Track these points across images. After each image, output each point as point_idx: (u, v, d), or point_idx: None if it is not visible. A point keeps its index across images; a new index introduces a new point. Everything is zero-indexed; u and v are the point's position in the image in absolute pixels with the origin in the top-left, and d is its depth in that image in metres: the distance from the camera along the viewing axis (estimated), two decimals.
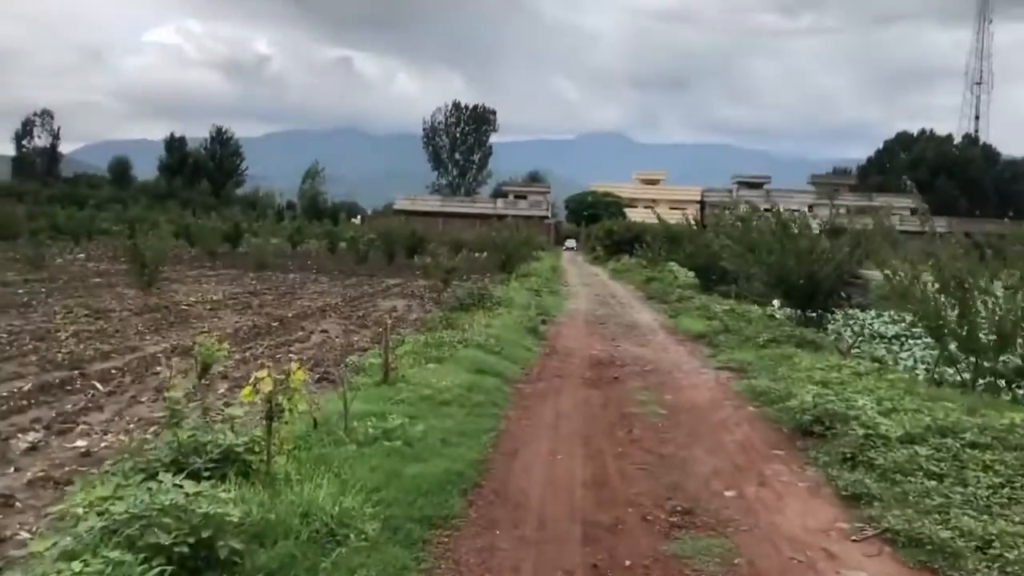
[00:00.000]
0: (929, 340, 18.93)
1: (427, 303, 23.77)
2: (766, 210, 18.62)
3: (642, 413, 9.77)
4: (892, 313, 25.79)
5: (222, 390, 10.43)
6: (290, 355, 13.97)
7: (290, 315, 19.69)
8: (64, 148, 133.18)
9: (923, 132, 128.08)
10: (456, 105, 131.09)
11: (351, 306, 23.21)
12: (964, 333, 10.26)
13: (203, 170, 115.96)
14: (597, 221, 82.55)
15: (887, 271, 11.13)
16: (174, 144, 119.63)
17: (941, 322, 10.44)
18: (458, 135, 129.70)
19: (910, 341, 18.69)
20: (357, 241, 40.55)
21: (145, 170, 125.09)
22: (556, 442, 8.18)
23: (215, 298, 23.17)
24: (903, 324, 22.97)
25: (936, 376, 13.05)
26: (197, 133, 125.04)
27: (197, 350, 9.56)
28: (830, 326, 18.02)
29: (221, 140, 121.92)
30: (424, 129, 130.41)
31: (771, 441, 8.70)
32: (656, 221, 61.08)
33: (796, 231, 16.71)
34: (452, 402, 8.87)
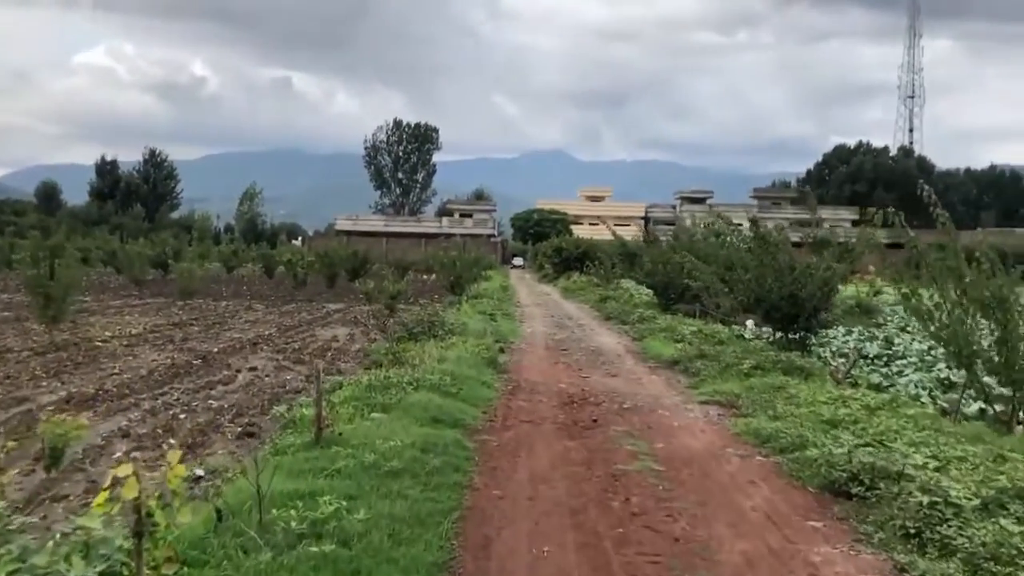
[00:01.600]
0: (918, 361, 17.66)
1: (371, 331, 21.83)
2: (737, 225, 17.12)
3: (635, 471, 8.01)
4: (860, 330, 24.60)
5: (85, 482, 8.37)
6: (210, 401, 11.97)
7: (216, 350, 17.58)
8: None
9: (860, 144, 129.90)
10: (397, 123, 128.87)
11: (286, 337, 21.17)
12: (1003, 360, 8.72)
13: (136, 194, 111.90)
14: (544, 239, 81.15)
15: (905, 290, 9.57)
16: (105, 168, 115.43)
17: (972, 348, 8.88)
18: (400, 153, 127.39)
19: (897, 362, 17.33)
20: (295, 264, 38.25)
21: (77, 195, 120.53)
22: (538, 524, 6.35)
23: (134, 332, 20.92)
24: (879, 342, 21.77)
25: (949, 407, 11.57)
26: (133, 157, 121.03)
27: (43, 429, 7.46)
28: (813, 348, 16.52)
29: (155, 163, 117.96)
30: (365, 148, 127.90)
31: (800, 507, 7.00)
32: (603, 238, 59.99)
33: (775, 245, 15.22)
34: (402, 471, 6.98)
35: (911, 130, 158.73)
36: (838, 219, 77.96)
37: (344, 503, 5.93)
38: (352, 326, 23.60)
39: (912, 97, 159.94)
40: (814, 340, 16.18)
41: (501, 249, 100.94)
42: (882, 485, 6.97)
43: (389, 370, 12.49)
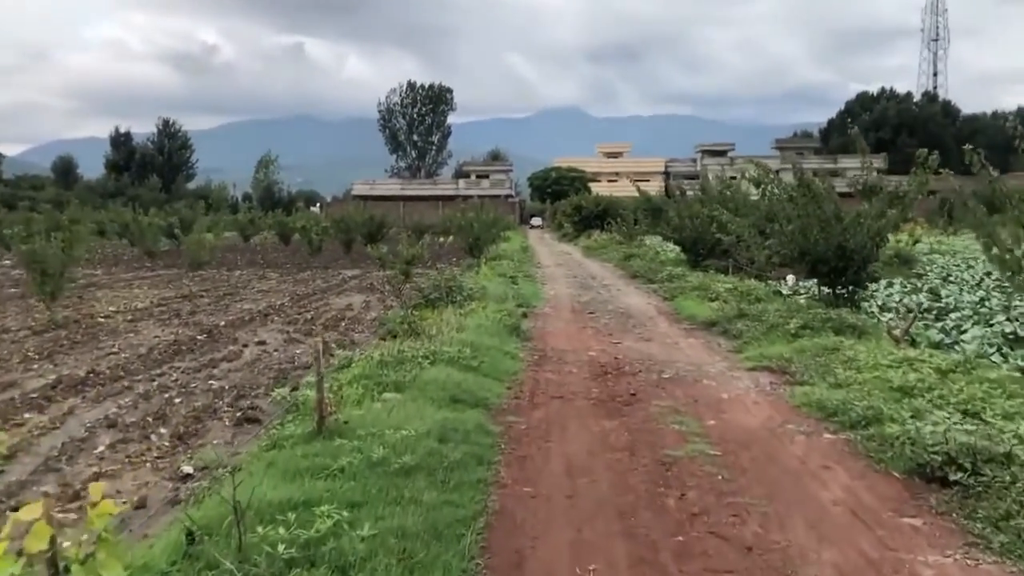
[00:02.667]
0: (972, 314, 16.38)
1: (388, 297, 20.81)
2: (777, 172, 15.78)
3: (687, 456, 6.91)
4: (902, 282, 23.27)
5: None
6: (210, 382, 10.98)
7: (223, 323, 16.62)
8: (10, 150, 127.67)
9: (883, 91, 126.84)
10: (411, 85, 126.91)
11: (299, 306, 20.20)
12: None
13: (151, 165, 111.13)
14: (562, 197, 79.72)
15: (985, 239, 8.35)
16: (120, 140, 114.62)
17: None
18: (415, 116, 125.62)
19: (950, 315, 16.07)
20: (309, 231, 37.20)
21: (95, 169, 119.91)
22: (580, 531, 5.27)
23: (140, 306, 20.00)
24: (924, 294, 20.48)
25: None
26: (150, 128, 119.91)
27: None
28: (864, 304, 15.27)
29: (169, 133, 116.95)
30: (379, 111, 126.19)
31: (889, 499, 5.88)
32: (624, 194, 58.58)
33: (821, 193, 13.93)
34: (416, 469, 5.91)
35: (935, 74, 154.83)
36: (865, 167, 75.88)
37: (345, 514, 4.87)
38: (368, 293, 22.59)
39: (936, 40, 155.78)
40: (863, 295, 14.92)
41: (519, 209, 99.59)
42: (987, 470, 5.84)
43: (404, 342, 11.42)
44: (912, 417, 7.38)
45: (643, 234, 38.51)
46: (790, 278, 18.46)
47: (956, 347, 12.37)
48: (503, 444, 7.18)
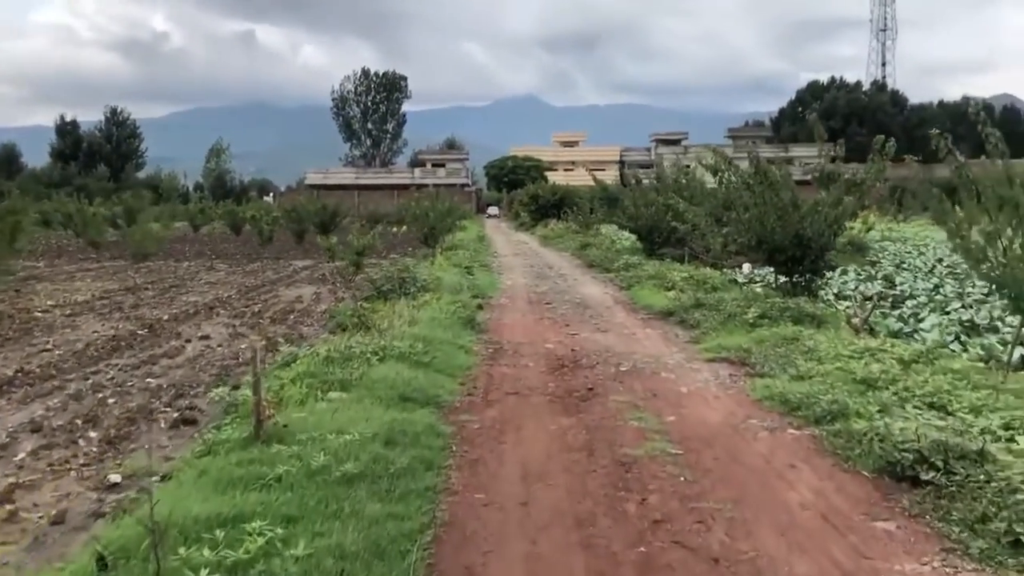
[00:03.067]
0: (927, 301, 16.33)
1: (340, 289, 20.27)
2: (730, 161, 15.53)
3: (648, 456, 6.58)
4: (856, 269, 23.31)
5: None
6: (148, 380, 10.42)
7: (166, 317, 15.99)
8: None
9: (833, 81, 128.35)
10: (365, 72, 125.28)
11: (247, 299, 19.60)
12: None
13: (99, 154, 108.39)
14: (519, 186, 79.31)
15: (950, 225, 8.12)
16: (66, 128, 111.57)
17: None
18: (369, 104, 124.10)
19: (906, 303, 16.01)
20: (259, 221, 36.35)
21: (40, 158, 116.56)
22: (535, 543, 4.90)
23: (81, 299, 19.22)
24: (879, 281, 20.48)
25: (989, 356, 10.25)
26: (98, 116, 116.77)
27: None
28: (820, 292, 15.12)
29: (117, 122, 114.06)
30: (333, 99, 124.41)
31: (860, 500, 5.60)
32: (580, 183, 58.42)
33: (778, 180, 13.70)
34: (359, 477, 5.49)
35: (884, 64, 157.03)
36: (815, 156, 76.55)
37: (279, 531, 4.45)
38: (319, 284, 22.01)
39: (884, 30, 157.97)
40: (819, 283, 14.77)
41: (476, 198, 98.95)
42: (959, 468, 5.59)
43: (353, 336, 10.96)
44: (879, 412, 7.13)
45: (599, 223, 38.31)
46: (746, 266, 18.28)
47: (915, 336, 12.25)
48: (454, 446, 6.79)
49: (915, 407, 7.27)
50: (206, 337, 13.75)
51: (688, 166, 28.18)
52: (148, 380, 10.42)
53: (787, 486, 5.90)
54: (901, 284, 19.26)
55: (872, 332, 11.88)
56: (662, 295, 16.80)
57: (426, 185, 72.89)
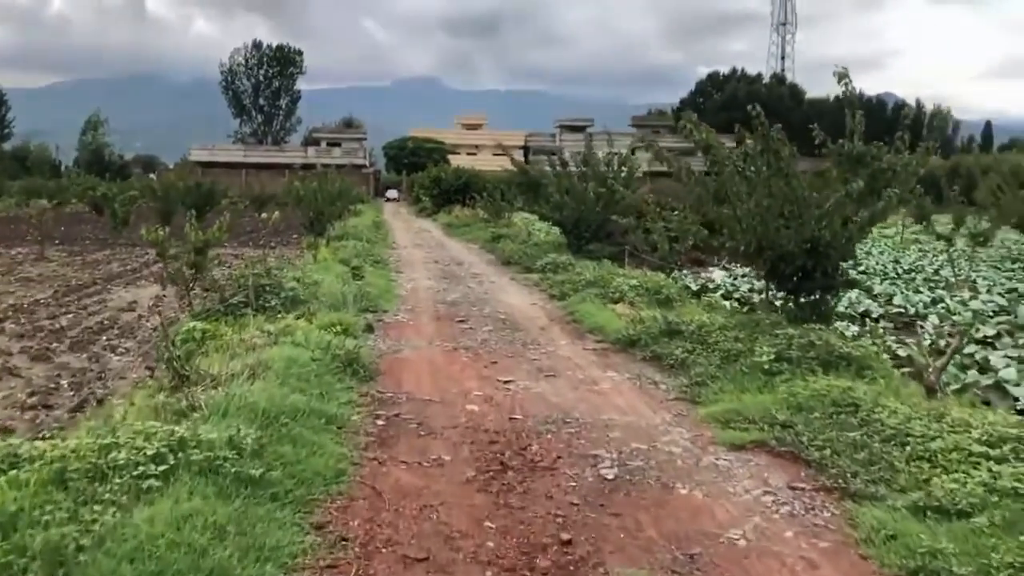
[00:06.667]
0: (968, 329, 12.80)
1: (186, 296, 15.53)
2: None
3: None
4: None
5: None
6: None
7: None
8: None
9: (734, 72, 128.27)
10: (257, 45, 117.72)
11: (61, 304, 14.82)
12: None
13: None
14: (420, 169, 74.48)
15: None
16: None
17: None
18: (261, 78, 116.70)
19: (922, 327, 12.43)
20: (112, 200, 30.77)
21: None
22: None
23: None
24: (881, 297, 16.92)
25: None
26: None
27: None
28: (832, 316, 11.25)
29: None
30: (222, 72, 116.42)
31: None
32: (485, 167, 54.21)
33: (793, 167, 9.83)
34: None
35: (783, 57, 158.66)
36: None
37: None
38: (170, 282, 17.22)
39: (784, 24, 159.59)
40: (833, 304, 10.90)
41: (374, 181, 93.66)
42: None
43: (157, 398, 6.51)
44: None
45: (511, 211, 34.20)
46: (717, 273, 14.51)
47: (999, 390, 8.51)
48: None
49: None
50: None
51: (633, 150, 24.17)
52: None
53: None
54: (893, 296, 15.74)
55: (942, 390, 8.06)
56: (611, 312, 12.80)
57: (316, 165, 67.39)
